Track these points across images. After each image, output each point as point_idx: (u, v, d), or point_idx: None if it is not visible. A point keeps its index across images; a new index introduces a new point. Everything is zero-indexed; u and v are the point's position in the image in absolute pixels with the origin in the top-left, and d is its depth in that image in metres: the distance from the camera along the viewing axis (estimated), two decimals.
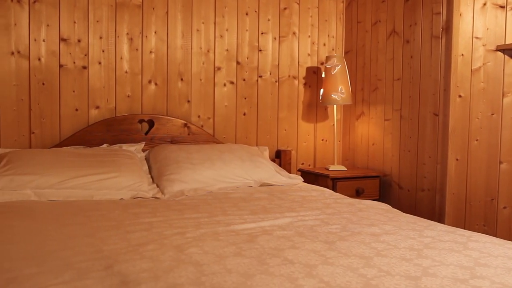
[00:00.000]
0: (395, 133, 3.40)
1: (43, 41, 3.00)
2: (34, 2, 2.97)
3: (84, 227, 1.92)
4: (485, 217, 2.96)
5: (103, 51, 3.15)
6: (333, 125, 3.76)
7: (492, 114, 2.95)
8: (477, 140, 2.97)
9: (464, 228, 2.79)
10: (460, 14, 2.93)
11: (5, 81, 2.93)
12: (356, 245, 1.69)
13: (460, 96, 2.96)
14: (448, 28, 2.97)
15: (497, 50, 2.92)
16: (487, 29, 2.93)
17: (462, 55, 2.95)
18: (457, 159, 2.98)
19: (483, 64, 2.95)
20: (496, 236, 2.65)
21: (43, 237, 1.77)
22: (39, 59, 3.00)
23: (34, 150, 2.81)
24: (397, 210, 2.40)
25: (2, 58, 2.91)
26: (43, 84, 3.02)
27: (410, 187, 3.27)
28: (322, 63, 3.81)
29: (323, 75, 3.66)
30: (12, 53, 2.94)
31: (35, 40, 2.98)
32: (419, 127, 3.19)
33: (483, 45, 2.94)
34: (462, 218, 2.99)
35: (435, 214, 3.04)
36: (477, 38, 2.94)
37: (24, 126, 2.99)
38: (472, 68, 2.95)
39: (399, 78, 3.35)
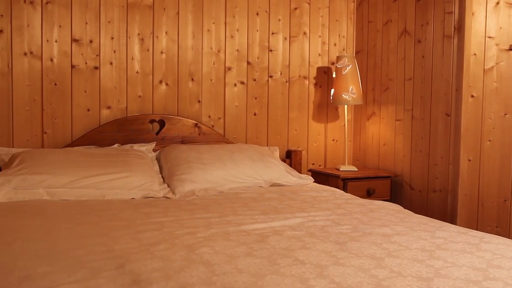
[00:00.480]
0: (406, 133, 3.38)
1: (55, 41, 3.03)
2: (47, 3, 2.99)
3: (96, 226, 1.93)
4: (498, 218, 2.93)
5: (114, 51, 3.17)
6: (344, 125, 3.74)
7: (505, 114, 2.92)
8: (489, 140, 2.94)
9: (477, 230, 2.76)
10: (473, 13, 2.91)
11: (18, 82, 2.96)
12: (368, 245, 1.68)
13: (472, 96, 2.94)
14: (460, 28, 2.94)
15: (510, 49, 2.89)
16: (500, 28, 2.90)
17: (475, 54, 2.92)
18: (469, 160, 2.95)
19: (496, 63, 2.92)
20: (509, 238, 2.62)
21: (56, 236, 1.78)
22: (52, 60, 3.03)
23: (46, 150, 2.83)
24: (409, 211, 2.38)
25: (15, 59, 2.94)
26: (55, 84, 3.05)
27: (422, 187, 3.25)
28: (332, 63, 3.80)
29: (333, 75, 3.65)
30: (25, 54, 2.96)
31: (47, 40, 3.01)
32: (430, 127, 3.17)
33: (496, 45, 2.91)
34: (475, 219, 2.96)
35: (447, 215, 3.02)
36: (490, 37, 2.91)
37: (36, 126, 3.01)
38: (485, 67, 2.92)
39: (411, 78, 3.33)
